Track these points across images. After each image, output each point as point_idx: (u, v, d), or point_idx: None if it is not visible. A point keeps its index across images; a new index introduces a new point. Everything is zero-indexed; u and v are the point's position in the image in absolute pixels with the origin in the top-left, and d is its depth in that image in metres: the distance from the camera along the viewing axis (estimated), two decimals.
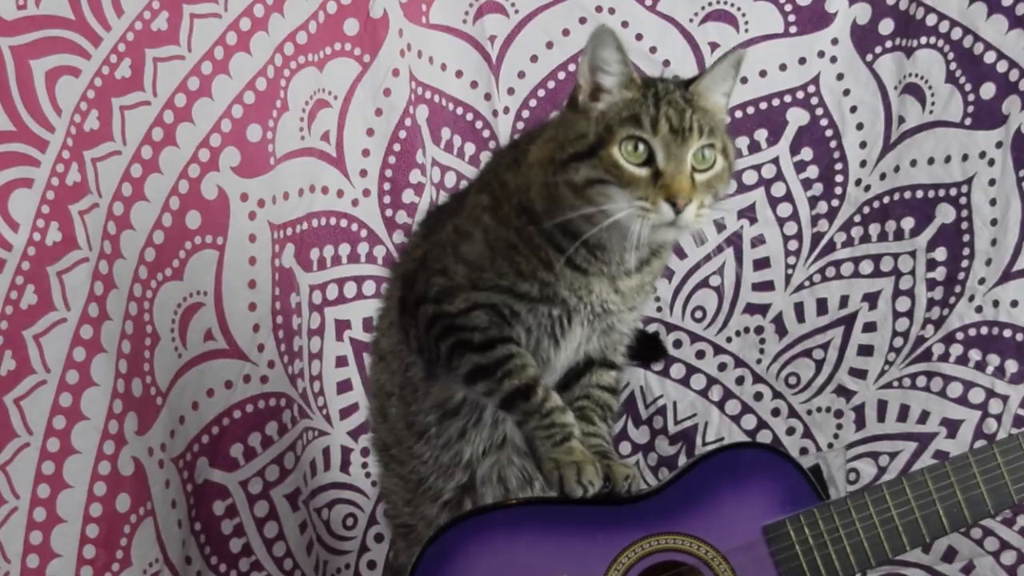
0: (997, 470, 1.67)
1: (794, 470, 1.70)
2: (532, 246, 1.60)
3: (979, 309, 2.44)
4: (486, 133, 2.48)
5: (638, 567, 1.67)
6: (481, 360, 1.65)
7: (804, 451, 2.53)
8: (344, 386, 2.39)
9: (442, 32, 2.42)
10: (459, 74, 2.45)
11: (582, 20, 2.47)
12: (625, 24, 2.47)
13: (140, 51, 2.00)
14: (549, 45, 2.48)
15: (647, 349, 2.13)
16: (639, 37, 2.49)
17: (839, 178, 2.50)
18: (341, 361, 2.38)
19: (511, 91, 2.49)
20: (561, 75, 2.50)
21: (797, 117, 2.49)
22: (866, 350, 2.53)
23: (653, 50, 2.49)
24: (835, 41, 2.45)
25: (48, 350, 1.89)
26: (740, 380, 2.57)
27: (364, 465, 2.41)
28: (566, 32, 2.48)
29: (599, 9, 2.46)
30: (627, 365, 1.82)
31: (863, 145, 2.48)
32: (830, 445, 2.53)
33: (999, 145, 2.40)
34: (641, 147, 1.49)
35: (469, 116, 2.47)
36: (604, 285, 1.63)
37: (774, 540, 1.68)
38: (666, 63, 2.47)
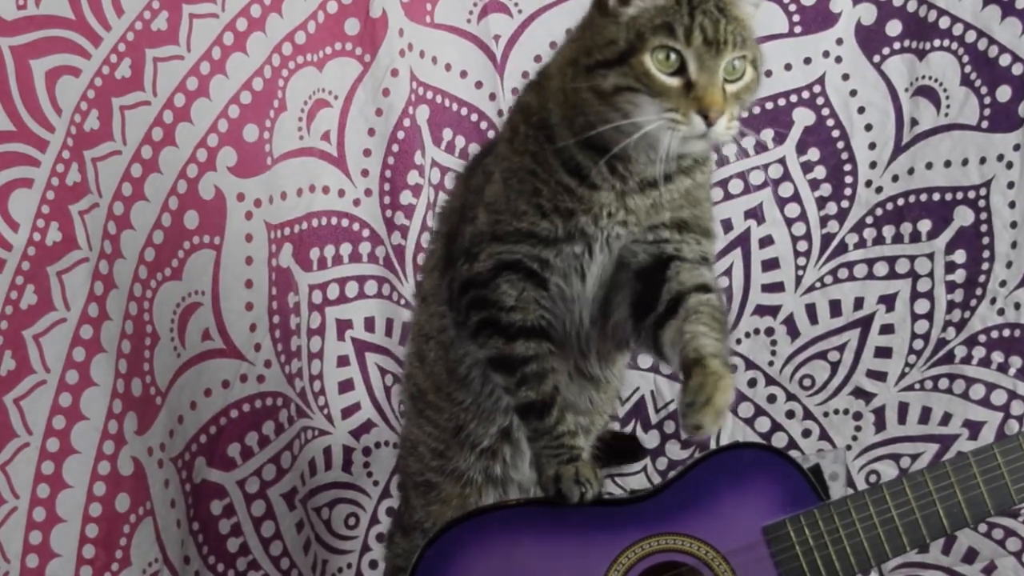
0: (997, 470, 1.67)
1: (794, 470, 1.70)
2: (549, 169, 1.58)
3: (1001, 312, 2.45)
4: (491, 134, 2.47)
5: (638, 567, 1.67)
6: (504, 349, 1.65)
7: (820, 451, 2.54)
8: (345, 386, 2.39)
9: (446, 32, 2.41)
10: (464, 74, 2.44)
11: None
12: None
13: (140, 51, 2.00)
14: (552, 45, 2.46)
15: (623, 452, 2.14)
16: None
17: (848, 179, 2.49)
18: (342, 361, 2.38)
19: (515, 91, 2.48)
20: None
21: (803, 117, 2.49)
22: (884, 352, 2.54)
23: None
24: (840, 41, 2.44)
25: (48, 350, 1.89)
26: (752, 382, 2.57)
27: (366, 464, 2.42)
28: (570, 32, 2.47)
29: None
30: (717, 287, 1.70)
31: (872, 146, 2.48)
32: (848, 447, 2.53)
33: (1017, 148, 2.41)
34: (673, 56, 1.45)
35: (474, 116, 2.46)
36: (614, 202, 1.58)
37: (774, 540, 1.68)
38: None
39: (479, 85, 2.45)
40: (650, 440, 2.57)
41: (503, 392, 1.70)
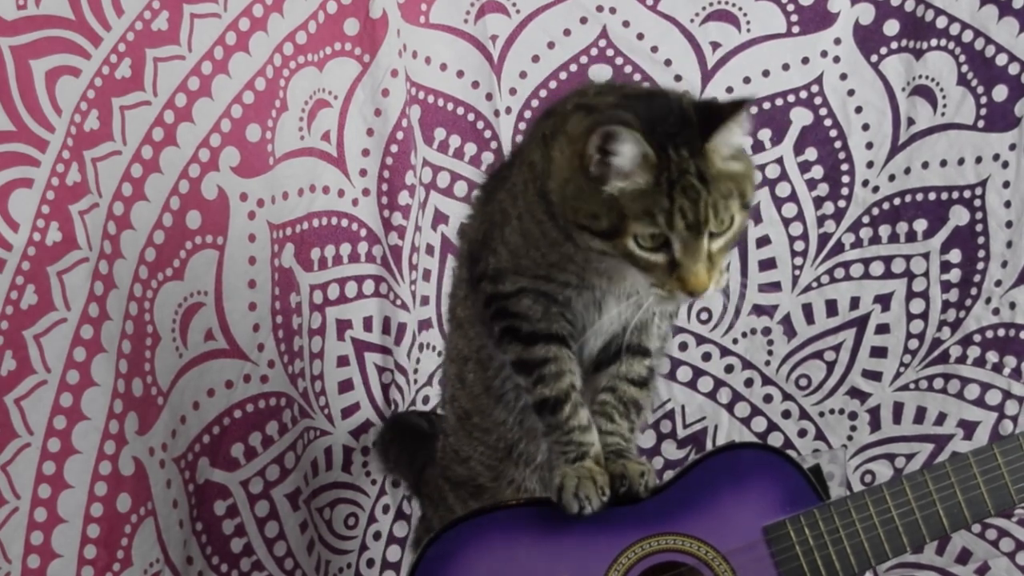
0: (997, 470, 1.67)
1: (794, 470, 1.70)
2: (551, 239, 1.57)
3: (996, 311, 2.45)
4: (487, 134, 2.47)
5: (638, 567, 1.67)
6: (523, 354, 1.66)
7: (817, 451, 2.54)
8: (345, 386, 2.39)
9: (443, 32, 2.42)
10: (460, 74, 2.44)
11: (583, 20, 2.47)
12: (626, 23, 2.47)
13: (140, 51, 2.00)
14: (551, 45, 2.48)
15: None
16: (640, 36, 2.48)
17: (845, 179, 2.50)
18: (342, 361, 2.38)
19: (513, 91, 2.48)
20: (563, 75, 2.49)
21: (801, 117, 2.49)
22: (880, 352, 2.54)
23: (655, 49, 2.48)
24: (838, 41, 2.45)
25: (48, 350, 1.89)
26: (749, 382, 2.57)
27: (365, 464, 2.42)
28: (567, 32, 2.47)
29: (600, 8, 2.46)
30: (663, 353, 1.78)
31: (869, 146, 2.48)
32: (844, 447, 2.53)
33: (1012, 147, 2.41)
34: (657, 233, 1.44)
35: (471, 116, 2.46)
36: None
37: (774, 541, 1.68)
38: (667, 63, 2.47)
39: (476, 85, 2.45)
40: (646, 440, 2.57)
41: (524, 393, 1.71)
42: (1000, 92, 2.40)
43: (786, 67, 2.47)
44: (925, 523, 1.67)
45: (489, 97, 2.46)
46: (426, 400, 2.51)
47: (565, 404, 1.66)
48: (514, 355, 1.68)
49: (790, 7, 2.44)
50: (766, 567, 1.68)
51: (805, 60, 2.46)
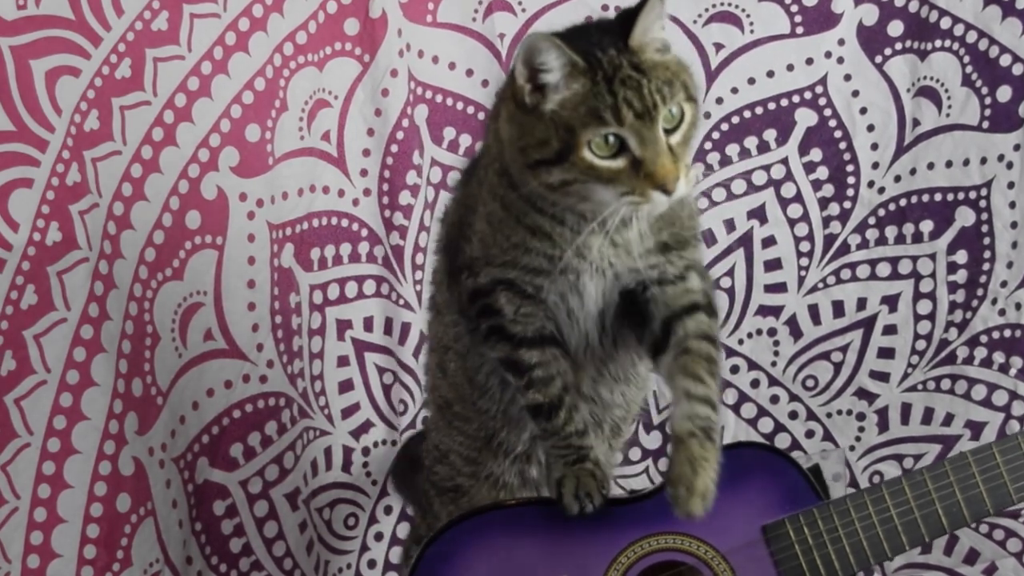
0: (996, 470, 1.67)
1: (793, 470, 1.70)
2: (518, 214, 1.55)
3: (1002, 312, 2.45)
4: None
5: (638, 567, 1.68)
6: (512, 354, 1.65)
7: (824, 451, 2.54)
8: (345, 386, 2.39)
9: (451, 31, 2.41)
10: (469, 73, 2.43)
11: (588, 19, 2.46)
12: None
13: (140, 51, 1.99)
14: None
15: None
16: None
17: (851, 180, 2.49)
18: (342, 361, 2.38)
19: None
20: None
21: (805, 118, 2.48)
22: (887, 353, 2.54)
23: None
24: (842, 42, 2.44)
25: (48, 350, 1.89)
26: (755, 383, 2.56)
27: (365, 464, 2.42)
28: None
29: (605, 7, 2.45)
30: (703, 288, 1.66)
31: (875, 147, 2.48)
32: (851, 448, 2.53)
33: (1017, 148, 2.41)
34: (612, 139, 1.41)
35: (481, 115, 2.45)
36: (600, 240, 1.54)
37: (773, 540, 1.68)
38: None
39: (485, 83, 2.45)
40: (651, 441, 2.57)
41: (516, 392, 1.70)
42: (1004, 93, 2.39)
43: (790, 68, 2.46)
44: (924, 522, 1.67)
45: None
46: None
47: (560, 410, 1.65)
48: (502, 354, 1.66)
49: (794, 8, 2.43)
50: (765, 566, 1.68)
51: (809, 61, 2.46)
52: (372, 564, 2.45)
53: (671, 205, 1.49)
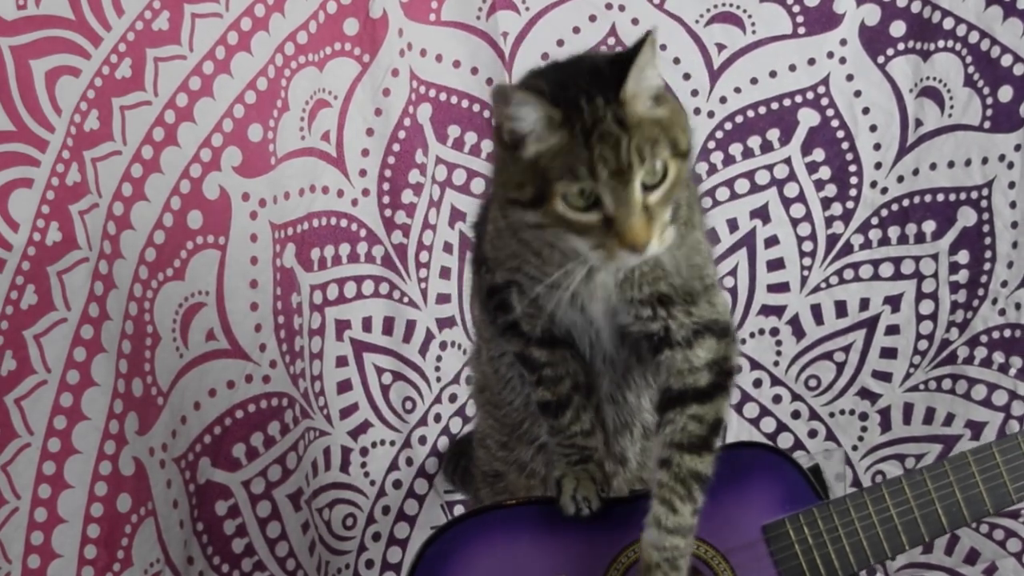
0: (996, 469, 1.67)
1: (793, 470, 1.71)
2: (513, 227, 1.54)
3: (1002, 312, 2.45)
4: None
5: (638, 567, 1.67)
6: (525, 350, 1.67)
7: (828, 451, 2.54)
8: (344, 386, 2.39)
9: (455, 29, 2.40)
10: (474, 71, 2.43)
11: (592, 17, 2.46)
12: (635, 21, 2.45)
13: (141, 51, 1.99)
14: (560, 43, 2.47)
15: None
16: None
17: (853, 180, 2.49)
18: (341, 361, 2.38)
19: None
20: None
21: (808, 118, 2.48)
22: (890, 353, 2.53)
23: (663, 47, 2.47)
24: (844, 42, 2.44)
25: (48, 350, 1.89)
26: (758, 383, 2.56)
27: (363, 465, 2.42)
28: (576, 30, 2.46)
29: (609, 6, 2.45)
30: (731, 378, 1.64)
31: (877, 147, 2.47)
32: (854, 447, 2.53)
33: (1018, 148, 2.41)
34: (586, 190, 1.36)
35: (487, 113, 2.45)
36: (580, 276, 1.49)
37: (773, 539, 1.68)
38: (676, 61, 2.46)
39: (489, 82, 2.44)
40: None
41: (528, 386, 1.72)
42: (1005, 93, 2.39)
43: (792, 68, 2.46)
44: (924, 522, 1.68)
45: None
46: (453, 398, 2.51)
47: (567, 409, 1.66)
48: (518, 348, 1.68)
49: (795, 8, 2.43)
50: (765, 566, 1.68)
51: (811, 61, 2.45)
52: (370, 564, 2.45)
53: (660, 257, 1.50)
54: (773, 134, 2.49)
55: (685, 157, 1.42)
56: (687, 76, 2.46)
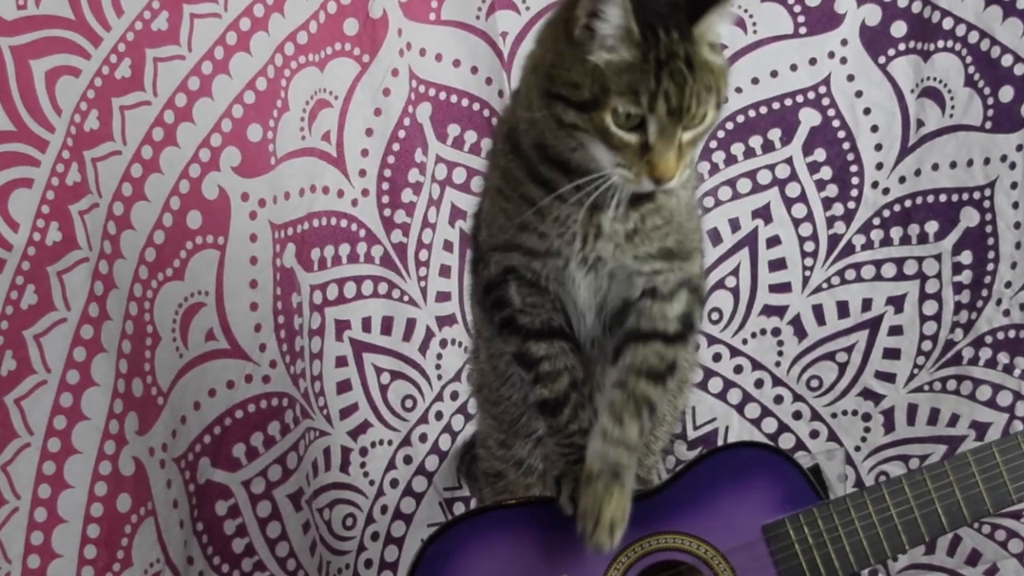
0: (996, 469, 1.67)
1: (793, 469, 1.70)
2: (514, 183, 1.55)
3: (1006, 313, 2.45)
4: None
5: (638, 566, 1.68)
6: (521, 348, 1.66)
7: (829, 451, 2.54)
8: (344, 386, 2.39)
9: (455, 28, 2.41)
10: (474, 70, 2.43)
11: None
12: None
13: (140, 51, 2.00)
14: None
15: None
16: None
17: (855, 180, 2.49)
18: (341, 361, 2.38)
19: None
20: None
21: (809, 117, 2.48)
22: (893, 353, 2.53)
23: None
24: (845, 42, 2.43)
25: (48, 350, 1.89)
26: (759, 383, 2.56)
27: (363, 465, 2.42)
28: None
29: None
30: (687, 343, 1.66)
31: (879, 147, 2.47)
32: (857, 448, 2.53)
33: (1019, 148, 2.40)
34: (635, 114, 1.39)
35: (486, 112, 2.45)
36: (586, 220, 1.53)
37: (773, 539, 1.68)
38: None
39: (489, 81, 2.45)
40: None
41: (526, 387, 1.71)
42: (1006, 93, 2.39)
43: (794, 68, 2.46)
44: (924, 522, 1.67)
45: (501, 94, 2.45)
46: (454, 396, 2.51)
47: (564, 407, 1.65)
48: (514, 347, 1.67)
49: (797, 8, 2.43)
50: (765, 566, 1.68)
51: (812, 61, 2.45)
52: (369, 564, 2.45)
53: (670, 206, 1.53)
54: (774, 134, 2.49)
55: (720, 108, 1.46)
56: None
